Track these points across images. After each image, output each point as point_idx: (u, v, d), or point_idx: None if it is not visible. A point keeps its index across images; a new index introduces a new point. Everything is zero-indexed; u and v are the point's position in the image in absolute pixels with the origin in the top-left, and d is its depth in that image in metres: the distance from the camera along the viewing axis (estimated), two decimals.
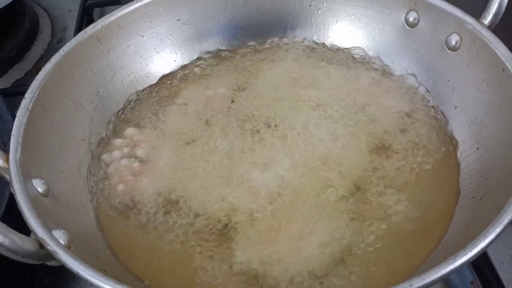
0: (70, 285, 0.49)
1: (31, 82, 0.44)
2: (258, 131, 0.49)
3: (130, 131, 0.49)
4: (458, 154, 0.46)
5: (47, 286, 0.49)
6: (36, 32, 0.77)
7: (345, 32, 0.56)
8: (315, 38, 0.57)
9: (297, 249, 0.41)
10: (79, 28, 0.74)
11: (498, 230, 0.33)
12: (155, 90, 0.54)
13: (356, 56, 0.55)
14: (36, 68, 0.73)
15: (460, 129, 0.48)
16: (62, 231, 0.35)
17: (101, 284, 0.30)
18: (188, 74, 0.56)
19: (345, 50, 0.56)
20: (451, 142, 0.47)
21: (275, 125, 0.49)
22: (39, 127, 0.43)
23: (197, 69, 0.56)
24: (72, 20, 0.80)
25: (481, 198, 0.41)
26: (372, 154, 0.47)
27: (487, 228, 0.33)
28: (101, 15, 0.79)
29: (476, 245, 0.32)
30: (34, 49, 0.75)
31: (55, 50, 0.48)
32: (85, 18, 0.76)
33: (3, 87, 0.69)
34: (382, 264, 0.40)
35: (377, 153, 0.47)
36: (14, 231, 0.30)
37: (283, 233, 0.42)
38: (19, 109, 0.42)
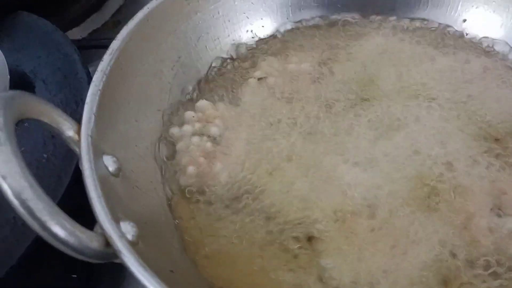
0: None
1: (108, 34, 0.40)
2: (348, 118, 0.42)
3: (203, 103, 0.44)
4: None
5: None
6: None
7: (479, 19, 0.47)
8: (431, 21, 0.48)
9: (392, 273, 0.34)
10: None
11: None
12: (236, 60, 0.48)
13: (484, 46, 0.46)
14: (114, 20, 0.69)
15: None
16: (131, 223, 0.30)
17: None
18: (271, 45, 0.49)
19: (467, 37, 0.47)
20: None
21: (367, 111, 0.43)
22: (115, 95, 0.38)
23: (283, 39, 0.50)
24: None
25: None
26: None
27: None
28: None
29: None
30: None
31: (135, 1, 0.43)
32: None
33: (79, 38, 0.66)
34: None
35: None
36: (80, 227, 0.26)
37: (375, 247, 0.36)
38: (96, 72, 0.37)
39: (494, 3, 0.47)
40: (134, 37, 0.41)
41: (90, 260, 0.27)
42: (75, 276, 0.44)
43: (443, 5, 0.48)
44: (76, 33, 0.67)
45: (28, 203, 0.25)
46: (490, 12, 0.47)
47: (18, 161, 0.25)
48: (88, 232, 0.27)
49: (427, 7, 0.49)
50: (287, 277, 0.34)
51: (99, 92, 0.36)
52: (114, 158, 0.34)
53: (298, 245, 0.36)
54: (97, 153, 0.33)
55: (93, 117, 0.34)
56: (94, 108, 0.35)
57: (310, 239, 0.36)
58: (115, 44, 0.39)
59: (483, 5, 0.47)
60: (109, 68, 0.38)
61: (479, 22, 0.48)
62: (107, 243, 0.28)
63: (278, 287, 0.34)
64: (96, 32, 0.68)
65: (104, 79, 0.37)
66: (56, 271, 0.44)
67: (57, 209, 0.25)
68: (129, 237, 0.29)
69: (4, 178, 0.25)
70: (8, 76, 0.47)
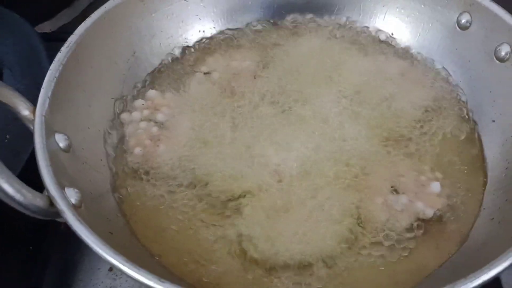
0: None
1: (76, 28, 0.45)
2: (279, 109, 0.49)
3: (152, 93, 0.50)
4: (488, 171, 0.45)
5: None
6: None
7: (392, 23, 0.54)
8: (358, 24, 0.55)
9: (304, 231, 0.41)
10: None
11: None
12: (187, 56, 0.54)
13: (397, 49, 0.53)
14: (84, 15, 0.74)
15: (492, 145, 0.46)
16: (76, 190, 0.36)
17: (99, 251, 0.31)
18: (220, 43, 0.55)
19: (386, 40, 0.54)
20: (481, 157, 0.46)
21: (299, 105, 0.49)
22: (71, 83, 0.44)
23: (229, 40, 0.56)
24: None
25: (499, 222, 0.40)
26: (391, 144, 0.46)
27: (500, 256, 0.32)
28: None
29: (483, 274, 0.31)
30: None
31: None
32: None
33: (49, 31, 0.71)
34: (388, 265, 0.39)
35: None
36: (27, 187, 0.31)
37: (292, 214, 0.42)
38: (53, 62, 0.42)
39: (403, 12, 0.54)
40: (91, 32, 0.47)
41: (36, 215, 0.32)
42: (31, 248, 0.50)
43: (364, 9, 0.55)
44: (47, 26, 0.72)
45: None
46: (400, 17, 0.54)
47: None
48: (35, 192, 0.32)
49: (348, 10, 0.55)
50: (211, 235, 0.41)
51: (55, 79, 0.41)
52: (66, 137, 0.40)
53: (222, 212, 0.42)
54: (50, 131, 0.38)
55: (47, 100, 0.40)
56: (50, 93, 0.40)
57: (233, 205, 0.43)
58: (72, 38, 0.45)
59: (394, 9, 0.54)
60: (65, 59, 0.43)
61: (391, 26, 0.54)
62: (51, 203, 0.33)
63: (202, 245, 0.40)
64: (66, 26, 0.73)
65: (60, 68, 0.42)
66: (14, 244, 0.50)
67: (8, 171, 0.31)
68: (72, 200, 0.35)
69: None
70: None
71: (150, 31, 0.53)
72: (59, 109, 0.41)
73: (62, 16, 0.74)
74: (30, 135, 0.39)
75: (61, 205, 0.33)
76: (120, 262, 0.31)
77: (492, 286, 0.46)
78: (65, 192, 0.35)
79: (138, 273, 0.31)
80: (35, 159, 0.36)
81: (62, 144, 0.39)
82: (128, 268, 0.31)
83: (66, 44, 0.44)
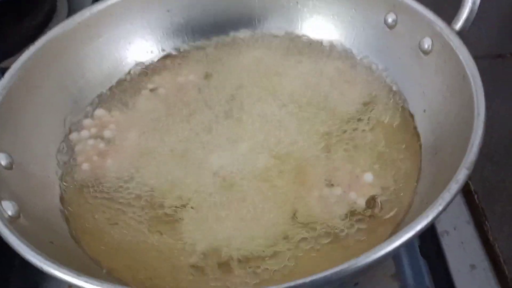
0: None
1: None
2: (222, 117, 0.51)
3: (99, 112, 0.52)
4: (422, 158, 0.46)
5: None
6: (53, 14, 0.82)
7: (327, 29, 0.57)
8: (295, 33, 0.58)
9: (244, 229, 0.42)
10: None
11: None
12: (134, 75, 0.56)
13: (333, 52, 0.56)
14: None
15: (425, 133, 0.47)
16: (13, 202, 0.38)
17: (29, 256, 0.33)
18: (165, 62, 0.58)
19: (323, 45, 0.57)
20: (417, 146, 0.47)
21: (240, 112, 0.51)
22: (16, 106, 0.46)
23: (174, 58, 0.58)
24: (88, 3, 0.83)
25: (426, 203, 0.41)
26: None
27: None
28: None
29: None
30: (49, 30, 0.79)
31: None
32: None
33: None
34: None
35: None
36: None
37: (232, 215, 0.44)
38: None
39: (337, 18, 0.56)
40: (37, 58, 0.50)
41: None
42: None
43: (301, 18, 0.58)
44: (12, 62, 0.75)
45: None
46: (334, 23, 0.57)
47: None
48: None
49: (286, 20, 0.58)
50: (155, 242, 0.42)
51: None
52: (7, 155, 0.42)
53: (168, 220, 0.44)
54: None
55: None
56: None
57: (178, 212, 0.44)
58: (16, 65, 0.48)
59: (329, 17, 0.57)
60: (10, 84, 0.46)
61: (328, 32, 0.57)
62: None
63: (149, 254, 0.42)
64: None
65: (4, 93, 0.45)
66: None
67: None
68: (9, 212, 0.37)
69: None
70: None
71: (98, 54, 0.56)
72: (3, 130, 0.43)
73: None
74: None
75: None
76: (52, 268, 0.32)
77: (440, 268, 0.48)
78: (1, 204, 0.37)
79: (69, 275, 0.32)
80: None
81: (3, 162, 0.41)
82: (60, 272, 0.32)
83: (10, 70, 0.47)
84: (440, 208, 0.33)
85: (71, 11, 0.84)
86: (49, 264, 0.32)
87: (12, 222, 0.36)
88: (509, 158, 0.56)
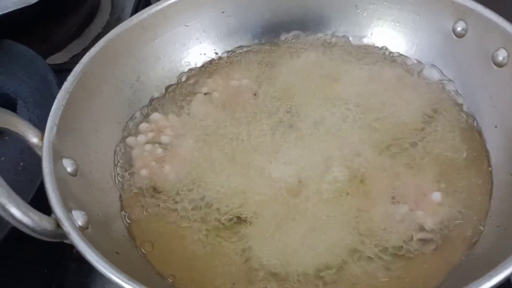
0: None
1: None
2: (279, 124, 0.50)
3: (156, 116, 0.51)
4: (493, 178, 0.45)
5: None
6: (96, 11, 0.81)
7: (388, 35, 0.55)
8: (353, 38, 0.56)
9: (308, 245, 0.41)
10: (136, 9, 0.76)
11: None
12: (188, 78, 0.55)
13: (394, 59, 0.54)
14: (93, 45, 0.77)
15: (496, 150, 0.46)
16: (82, 212, 0.37)
17: (104, 271, 0.32)
18: (219, 64, 0.57)
19: (384, 52, 0.55)
20: (486, 164, 0.46)
21: (298, 119, 0.50)
22: (77, 110, 0.45)
23: (227, 61, 0.57)
24: (130, 1, 0.82)
25: (505, 229, 0.40)
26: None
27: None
28: None
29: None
30: (92, 27, 0.79)
31: (113, 28, 0.52)
32: (142, 1, 0.79)
33: (61, 62, 0.73)
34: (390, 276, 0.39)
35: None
36: (34, 210, 0.33)
37: (295, 229, 0.42)
38: (60, 91, 0.44)
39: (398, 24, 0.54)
40: (96, 61, 0.49)
41: (43, 238, 0.34)
42: (46, 270, 0.51)
43: (359, 23, 0.56)
44: (59, 58, 0.75)
45: None
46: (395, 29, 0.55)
47: None
48: (42, 215, 0.34)
49: (343, 24, 0.56)
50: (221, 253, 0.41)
51: (62, 107, 0.43)
52: (73, 161, 0.42)
53: (230, 229, 0.43)
54: (57, 156, 0.40)
55: (54, 127, 0.41)
56: (57, 120, 0.42)
57: (240, 221, 0.43)
58: (77, 67, 0.47)
59: (389, 22, 0.55)
60: (71, 87, 0.45)
61: (388, 37, 0.55)
62: (58, 225, 0.34)
63: (212, 263, 0.41)
64: (76, 57, 0.76)
65: (67, 97, 0.44)
66: (31, 267, 0.51)
67: (15, 196, 0.32)
68: (79, 222, 0.36)
69: None
70: None
71: (153, 56, 0.55)
72: (66, 135, 0.42)
73: (72, 47, 0.77)
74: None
75: (67, 227, 0.34)
76: (121, 280, 0.32)
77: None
78: (72, 215, 0.36)
79: None
80: None
81: (69, 169, 0.41)
82: (130, 285, 0.32)
83: (72, 73, 0.46)
84: None
85: (114, 8, 0.84)
86: (126, 280, 0.31)
87: (81, 232, 0.35)
88: None
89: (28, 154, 0.52)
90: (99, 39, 0.52)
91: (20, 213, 0.32)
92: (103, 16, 0.81)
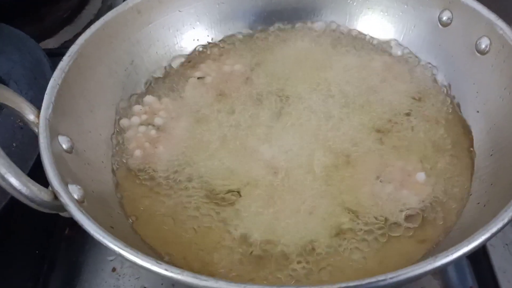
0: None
1: None
2: (270, 107, 0.51)
3: (149, 98, 0.52)
4: (475, 159, 0.46)
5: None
6: None
7: (377, 24, 0.57)
8: (343, 26, 0.58)
9: (297, 221, 0.43)
10: None
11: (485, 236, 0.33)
12: (181, 63, 0.56)
13: (382, 47, 0.56)
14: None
15: (478, 134, 0.47)
16: (78, 186, 0.38)
17: (101, 238, 0.33)
18: (213, 50, 0.58)
19: (372, 40, 0.57)
20: (467, 146, 0.48)
21: (288, 103, 0.52)
22: (72, 89, 0.46)
23: (221, 46, 0.58)
24: None
25: (484, 205, 0.41)
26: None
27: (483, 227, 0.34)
28: None
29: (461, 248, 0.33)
30: (85, 13, 0.80)
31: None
32: None
33: (52, 47, 0.74)
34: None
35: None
36: (32, 181, 0.34)
37: (285, 205, 0.44)
38: (56, 70, 0.45)
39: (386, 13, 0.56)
40: (92, 42, 0.49)
41: (41, 209, 0.35)
42: (38, 252, 0.52)
43: (350, 12, 0.58)
44: (50, 43, 0.76)
45: None
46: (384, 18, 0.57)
47: None
48: (40, 186, 0.34)
49: (334, 13, 0.58)
50: (213, 228, 0.43)
51: (57, 85, 0.44)
52: (68, 139, 0.42)
53: (222, 204, 0.44)
54: (53, 133, 0.41)
55: (51, 104, 0.42)
56: (53, 98, 0.43)
57: (232, 198, 0.45)
58: (73, 48, 0.47)
59: (378, 12, 0.57)
60: (67, 67, 0.46)
61: (376, 26, 0.57)
62: (55, 197, 0.35)
63: (206, 239, 0.42)
64: (68, 43, 0.76)
65: (62, 76, 0.45)
66: (22, 248, 0.52)
67: (15, 167, 0.33)
68: (75, 196, 0.37)
69: None
70: None
71: (147, 41, 0.55)
72: (62, 113, 0.43)
73: (64, 33, 0.77)
74: (35, 142, 0.41)
75: (65, 198, 0.35)
76: (121, 248, 0.33)
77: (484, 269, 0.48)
78: (68, 188, 0.37)
79: (138, 257, 0.33)
80: (40, 163, 0.38)
81: (65, 146, 0.42)
82: (129, 253, 0.33)
83: (67, 53, 0.47)
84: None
85: None
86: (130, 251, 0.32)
87: (79, 205, 0.36)
88: None
89: (21, 134, 0.53)
90: (91, 25, 0.53)
91: (19, 183, 0.33)
92: (95, 3, 0.82)
